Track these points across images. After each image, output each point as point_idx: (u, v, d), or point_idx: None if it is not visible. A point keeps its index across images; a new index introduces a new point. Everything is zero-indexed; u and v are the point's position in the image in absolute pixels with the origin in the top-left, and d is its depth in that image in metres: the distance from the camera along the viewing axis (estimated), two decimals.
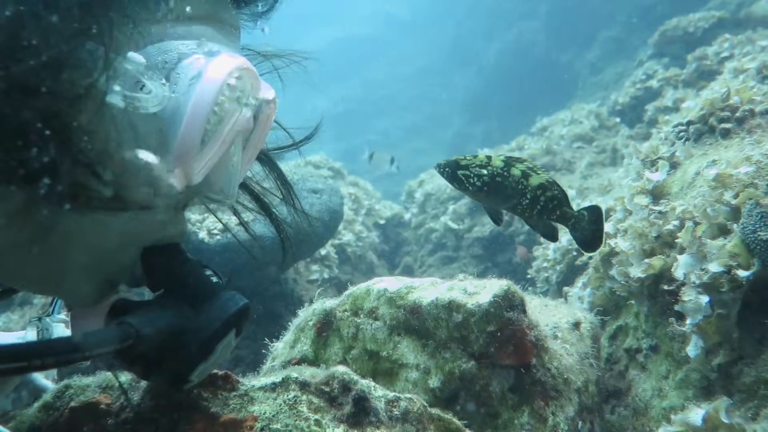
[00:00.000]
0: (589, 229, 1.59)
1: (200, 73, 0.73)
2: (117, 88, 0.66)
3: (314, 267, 4.14)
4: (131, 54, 0.68)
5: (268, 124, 0.93)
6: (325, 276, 4.14)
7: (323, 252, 4.22)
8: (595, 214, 1.59)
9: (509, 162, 1.54)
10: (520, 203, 1.54)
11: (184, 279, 0.86)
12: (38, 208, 0.65)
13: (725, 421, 1.40)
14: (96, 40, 0.64)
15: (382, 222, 5.96)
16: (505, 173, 1.53)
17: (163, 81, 0.71)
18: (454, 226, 5.37)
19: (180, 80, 0.73)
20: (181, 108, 0.72)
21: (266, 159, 1.10)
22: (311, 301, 1.72)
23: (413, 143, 17.28)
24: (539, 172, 1.54)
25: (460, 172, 1.55)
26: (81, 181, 0.67)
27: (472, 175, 1.54)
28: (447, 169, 1.58)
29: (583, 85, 11.54)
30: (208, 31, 0.79)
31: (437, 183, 6.17)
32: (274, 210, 1.13)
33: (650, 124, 4.88)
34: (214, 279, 0.89)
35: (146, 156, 0.71)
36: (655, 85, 5.79)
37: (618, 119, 5.92)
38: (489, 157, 1.55)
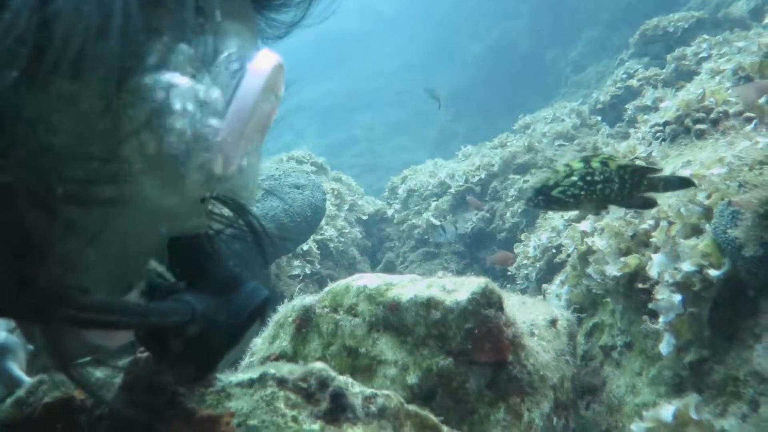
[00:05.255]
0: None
1: (243, 65, 0.75)
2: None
3: (296, 262, 4.14)
4: (180, 45, 0.69)
5: (271, 121, 0.95)
6: (307, 271, 4.13)
7: (305, 247, 4.21)
8: (687, 182, 1.58)
9: (586, 159, 1.54)
10: (612, 190, 1.53)
11: (212, 269, 0.88)
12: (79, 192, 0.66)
13: (695, 417, 1.43)
14: (149, 29, 0.65)
15: (364, 218, 5.97)
16: (590, 169, 1.53)
17: (208, 72, 0.72)
18: (436, 222, 5.39)
19: (221, 72, 0.73)
20: (224, 99, 0.73)
21: None
22: (292, 297, 1.72)
23: (397, 140, 17.28)
24: (615, 158, 1.55)
25: (555, 193, 1.54)
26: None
27: (566, 188, 1.53)
28: (541, 197, 1.56)
29: (566, 83, 11.64)
30: (237, 26, 0.79)
31: (420, 179, 6.20)
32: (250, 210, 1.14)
33: (630, 123, 4.93)
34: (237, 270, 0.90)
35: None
36: (636, 84, 5.85)
37: (599, 118, 5.98)
38: (567, 165, 1.55)
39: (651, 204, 1.60)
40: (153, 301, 0.83)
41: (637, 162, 1.56)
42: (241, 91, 0.74)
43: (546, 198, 1.56)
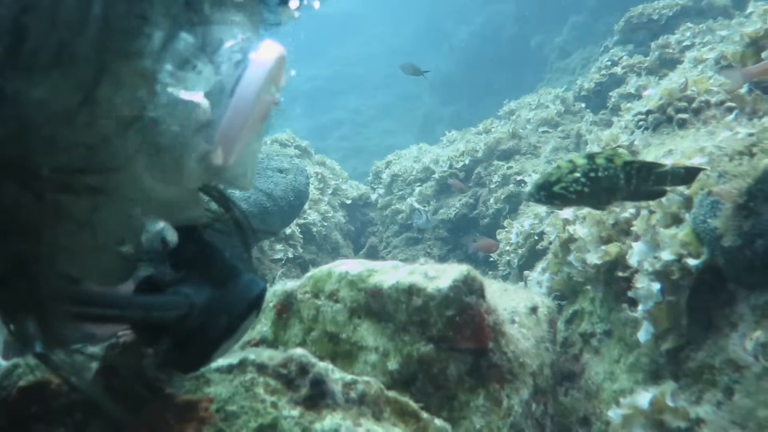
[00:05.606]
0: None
1: (246, 56, 0.74)
2: (168, 67, 0.66)
3: (278, 246, 4.12)
4: (183, 34, 0.68)
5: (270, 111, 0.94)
6: (290, 255, 4.12)
7: (288, 231, 4.20)
8: (692, 173, 1.57)
9: (590, 156, 1.53)
10: (618, 186, 1.52)
11: (209, 260, 0.87)
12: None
13: (670, 404, 1.46)
14: (153, 19, 0.64)
15: (348, 202, 5.96)
16: (594, 166, 1.51)
17: (210, 63, 0.71)
18: (420, 207, 5.39)
19: (223, 63, 0.73)
20: (226, 90, 0.72)
21: None
22: (273, 281, 1.71)
23: (383, 123, 17.22)
24: (620, 154, 1.53)
25: (557, 188, 1.52)
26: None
27: (568, 183, 1.51)
28: (542, 193, 1.54)
29: (551, 69, 11.65)
30: (239, 16, 0.78)
31: (404, 164, 6.20)
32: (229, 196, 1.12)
33: (614, 111, 4.95)
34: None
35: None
36: (620, 71, 5.86)
37: (583, 104, 5.99)
38: (571, 161, 1.54)
39: (659, 194, 1.59)
40: (151, 293, 0.83)
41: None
42: (243, 82, 0.73)
43: (548, 193, 1.54)
